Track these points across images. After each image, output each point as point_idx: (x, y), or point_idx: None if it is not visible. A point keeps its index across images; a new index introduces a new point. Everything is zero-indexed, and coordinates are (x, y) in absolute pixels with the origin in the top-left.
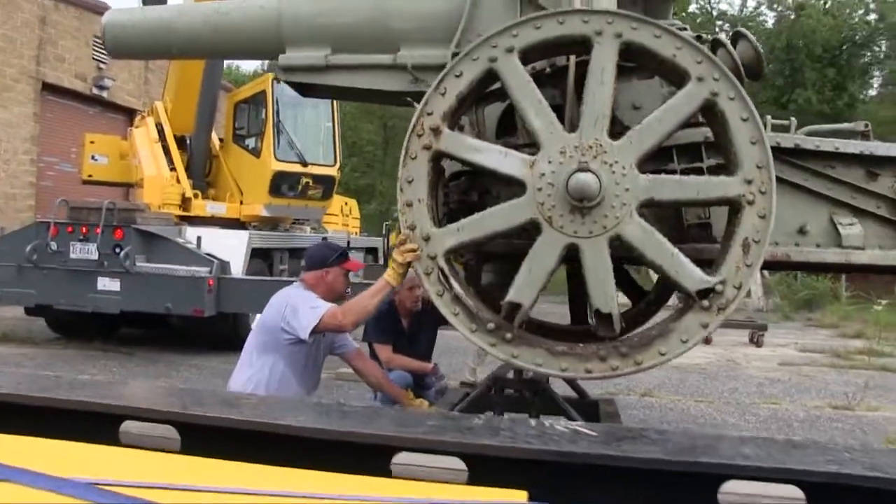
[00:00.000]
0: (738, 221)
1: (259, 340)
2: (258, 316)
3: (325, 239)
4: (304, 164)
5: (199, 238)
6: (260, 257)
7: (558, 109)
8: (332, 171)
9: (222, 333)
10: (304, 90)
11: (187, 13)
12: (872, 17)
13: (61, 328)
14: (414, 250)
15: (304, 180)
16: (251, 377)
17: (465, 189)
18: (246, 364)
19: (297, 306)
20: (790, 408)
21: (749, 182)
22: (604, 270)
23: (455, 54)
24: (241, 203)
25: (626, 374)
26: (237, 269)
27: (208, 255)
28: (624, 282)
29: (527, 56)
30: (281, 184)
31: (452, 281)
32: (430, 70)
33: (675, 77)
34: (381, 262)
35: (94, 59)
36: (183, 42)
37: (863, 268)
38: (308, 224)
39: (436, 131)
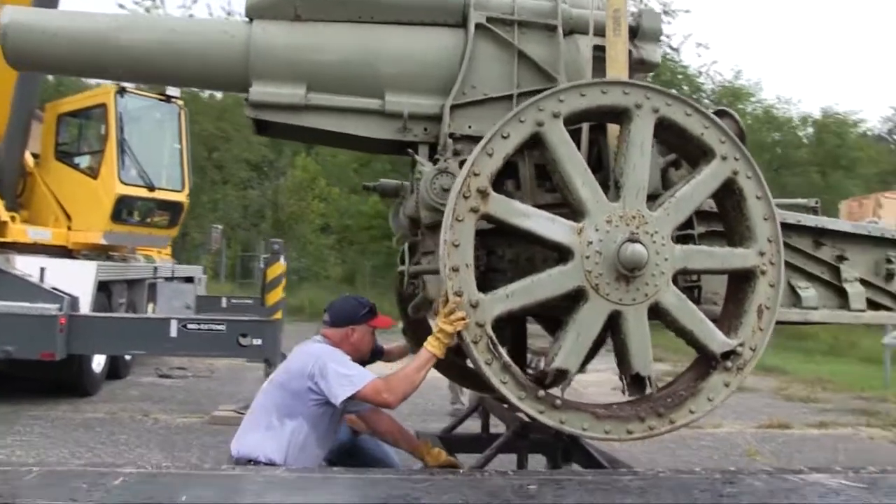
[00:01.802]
0: (752, 289)
1: (280, 401)
2: (273, 373)
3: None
4: (151, 189)
5: (42, 270)
6: (102, 290)
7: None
8: (181, 197)
9: (66, 378)
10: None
11: (134, 28)
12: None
13: None
14: (463, 318)
15: (151, 206)
16: (272, 442)
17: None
18: (263, 426)
19: (327, 367)
20: None
21: (762, 254)
22: (644, 336)
23: (454, 106)
24: (69, 229)
25: (662, 433)
26: (85, 304)
27: (54, 289)
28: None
29: (567, 122)
30: (124, 209)
31: (500, 349)
32: (419, 119)
33: (697, 153)
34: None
35: None
36: (126, 63)
37: (816, 324)
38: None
39: (483, 194)
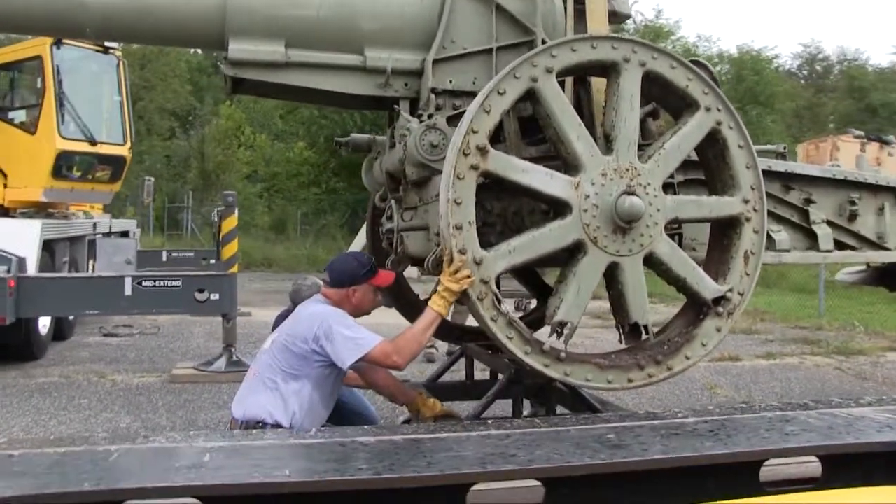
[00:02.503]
0: (738, 236)
1: (285, 363)
2: (274, 334)
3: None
4: (93, 143)
5: None
6: (45, 249)
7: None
8: (123, 151)
9: (13, 343)
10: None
11: None
12: None
13: None
14: (469, 276)
15: (93, 161)
16: (279, 403)
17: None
18: (268, 389)
19: (332, 329)
20: None
21: (746, 201)
22: (640, 286)
23: (435, 61)
24: (6, 187)
25: (661, 380)
26: (32, 265)
27: (1, 251)
28: (535, 283)
29: (558, 76)
30: (65, 165)
31: (504, 305)
32: (399, 75)
33: (681, 104)
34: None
35: None
36: (94, 21)
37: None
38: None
39: (483, 150)
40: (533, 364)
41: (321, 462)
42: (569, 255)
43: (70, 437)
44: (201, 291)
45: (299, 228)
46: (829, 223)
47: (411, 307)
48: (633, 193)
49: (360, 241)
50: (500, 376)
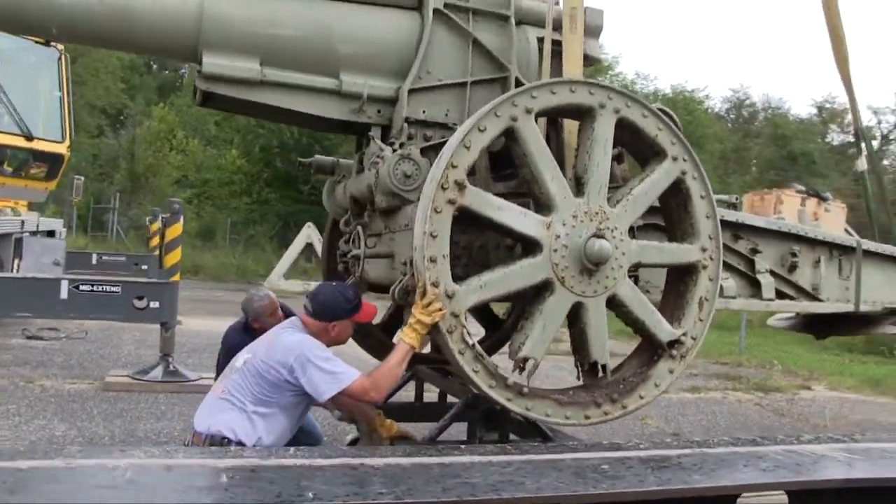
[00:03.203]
0: (694, 282)
1: (257, 389)
2: (245, 354)
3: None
4: (29, 138)
5: None
6: None
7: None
8: (62, 149)
9: None
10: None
11: None
12: None
13: None
14: (441, 309)
15: (27, 157)
16: (246, 424)
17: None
18: (237, 408)
19: (309, 363)
20: None
21: (704, 250)
22: (602, 326)
23: (412, 90)
24: None
25: (616, 418)
26: None
27: None
28: (486, 314)
29: (536, 117)
30: None
31: (472, 338)
32: (373, 101)
33: (649, 152)
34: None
35: None
36: (68, 22)
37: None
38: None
39: (460, 186)
40: (497, 398)
41: (340, 486)
42: (535, 293)
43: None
44: (140, 298)
45: (228, 237)
46: (772, 273)
47: (366, 335)
48: (601, 237)
49: (290, 256)
50: (451, 398)
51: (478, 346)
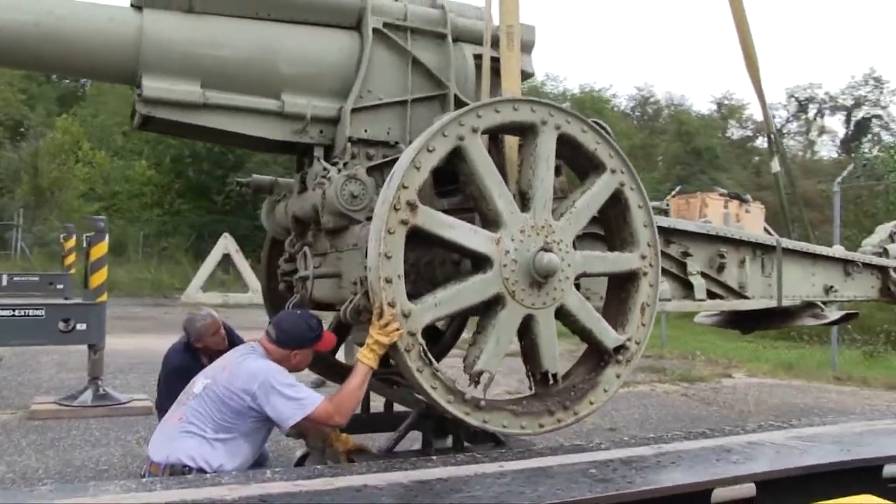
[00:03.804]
0: (636, 289)
1: (218, 416)
2: (204, 380)
3: None
4: None
5: None
6: None
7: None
8: None
9: None
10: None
11: (5, 6)
12: None
13: None
14: (399, 329)
15: None
16: (206, 451)
17: None
18: (197, 435)
19: (272, 390)
20: None
21: (644, 257)
22: (552, 336)
23: (354, 110)
24: None
25: (568, 424)
26: None
27: None
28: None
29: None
30: None
31: (430, 356)
32: (316, 122)
33: (588, 165)
34: None
35: None
36: (1, 44)
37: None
38: None
39: (412, 206)
40: (455, 412)
41: None
42: (487, 307)
43: None
44: (66, 321)
45: (141, 251)
46: (703, 274)
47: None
48: (549, 250)
49: (207, 268)
50: (397, 407)
51: (435, 363)
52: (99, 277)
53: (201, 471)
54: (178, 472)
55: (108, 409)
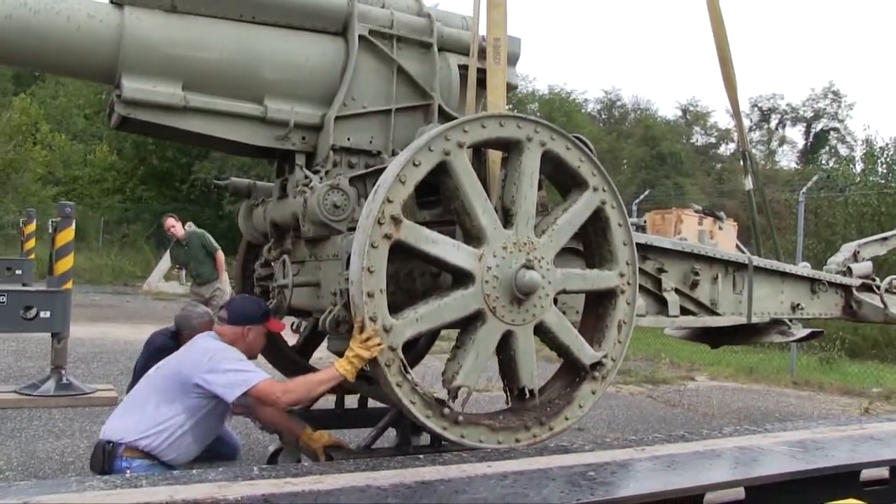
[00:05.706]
0: (613, 306)
1: (162, 389)
2: (162, 363)
3: None
4: None
5: None
6: None
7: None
8: None
9: None
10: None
11: None
12: None
13: None
14: (379, 343)
15: None
16: (142, 425)
17: None
18: (138, 411)
19: (220, 362)
20: None
21: (622, 275)
22: (531, 353)
23: (337, 118)
24: None
25: (544, 440)
26: None
27: None
28: None
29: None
30: None
31: (410, 371)
32: (298, 128)
33: (570, 182)
34: None
35: None
36: None
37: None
38: None
39: (396, 221)
40: (433, 427)
41: None
42: (467, 323)
43: None
44: (29, 308)
45: (101, 238)
46: (677, 290)
47: (280, 354)
48: (531, 267)
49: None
50: (371, 403)
51: (413, 377)
52: (65, 264)
53: (133, 448)
54: (102, 448)
55: (71, 399)
